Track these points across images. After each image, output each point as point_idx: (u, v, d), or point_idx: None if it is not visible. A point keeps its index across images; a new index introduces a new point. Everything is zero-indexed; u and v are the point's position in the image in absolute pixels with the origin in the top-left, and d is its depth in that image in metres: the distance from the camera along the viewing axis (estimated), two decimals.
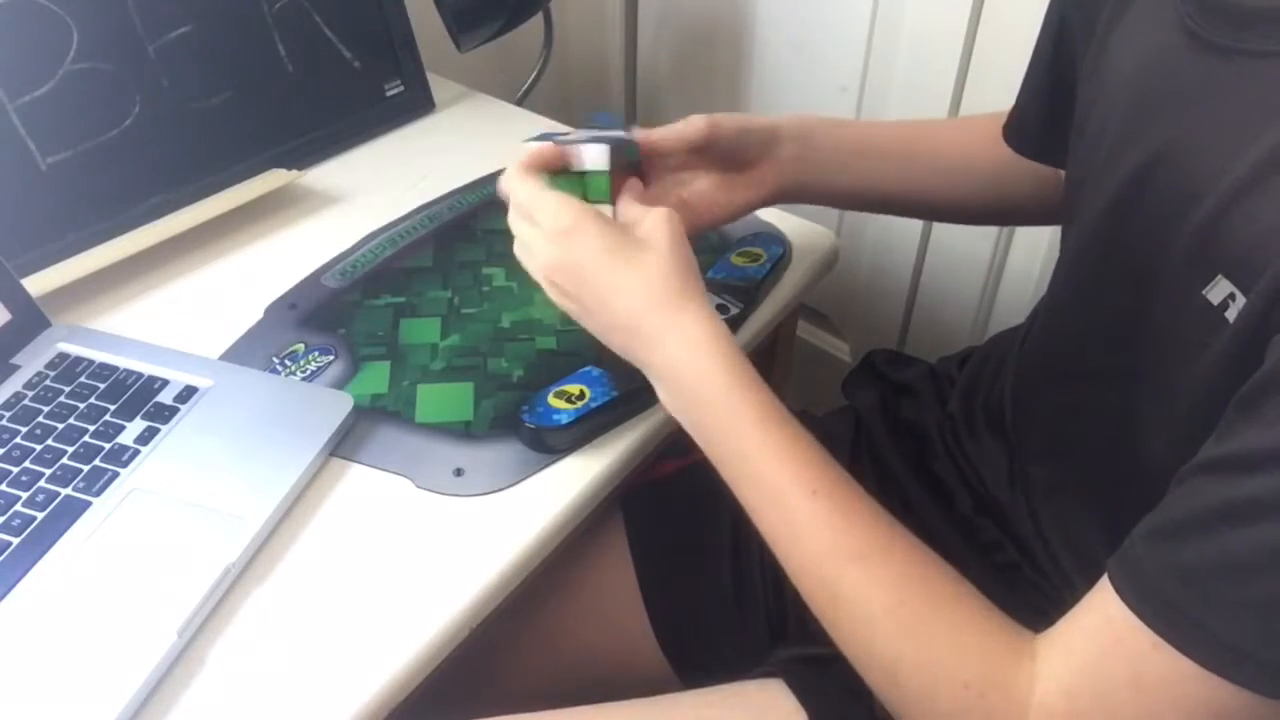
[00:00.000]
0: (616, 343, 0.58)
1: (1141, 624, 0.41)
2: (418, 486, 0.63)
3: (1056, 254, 0.64)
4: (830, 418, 0.82)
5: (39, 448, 0.62)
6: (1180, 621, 0.40)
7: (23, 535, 0.57)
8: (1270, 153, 0.43)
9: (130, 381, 0.67)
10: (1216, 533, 0.40)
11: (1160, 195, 0.50)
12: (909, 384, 0.81)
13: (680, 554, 0.76)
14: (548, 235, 0.57)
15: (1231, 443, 0.41)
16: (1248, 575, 0.39)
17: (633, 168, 0.65)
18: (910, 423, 0.78)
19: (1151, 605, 0.41)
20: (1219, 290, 0.45)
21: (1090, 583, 0.60)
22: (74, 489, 0.60)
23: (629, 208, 0.60)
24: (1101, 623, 0.43)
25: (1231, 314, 0.45)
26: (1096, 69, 0.58)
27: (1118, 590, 0.43)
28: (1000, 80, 1.00)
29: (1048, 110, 0.69)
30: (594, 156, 0.60)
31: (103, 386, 0.67)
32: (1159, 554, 0.42)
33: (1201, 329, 0.46)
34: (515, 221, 0.59)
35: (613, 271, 0.56)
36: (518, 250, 0.60)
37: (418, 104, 1.02)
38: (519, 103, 1.15)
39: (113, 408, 0.65)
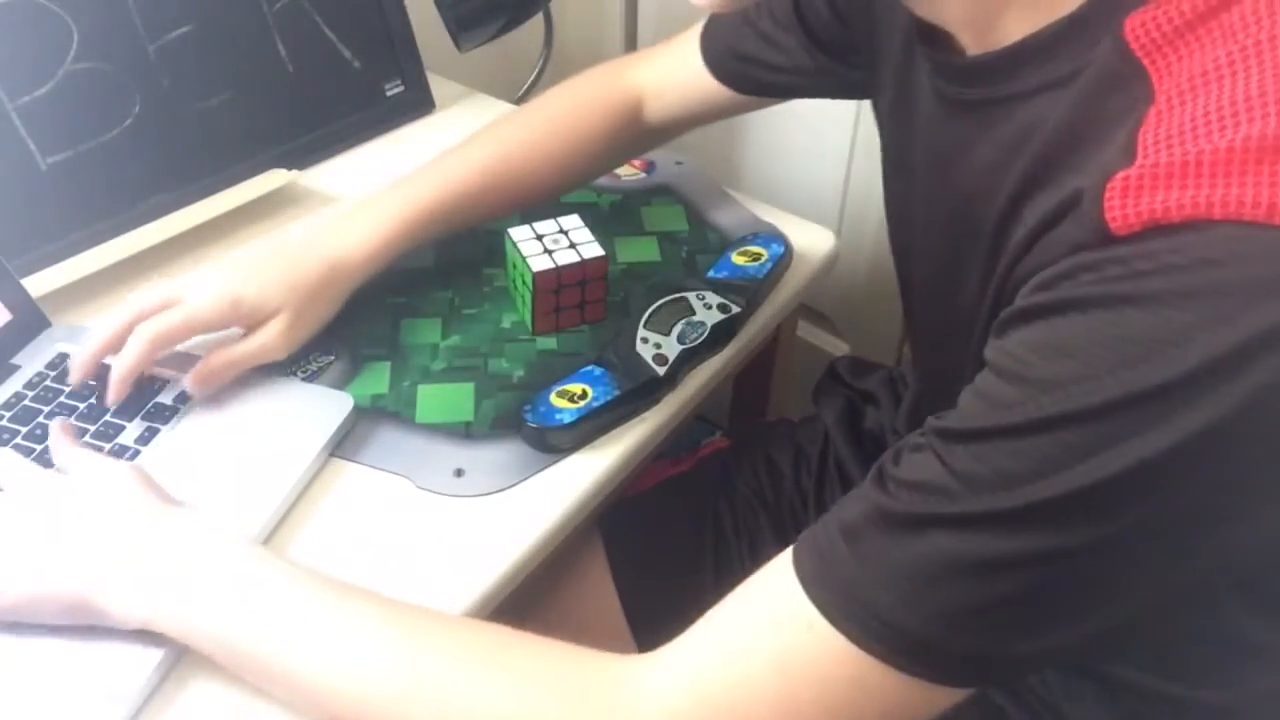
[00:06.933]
0: (109, 584, 0.51)
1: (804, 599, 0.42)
2: (418, 487, 0.63)
3: None
4: (802, 427, 0.83)
5: (39, 448, 0.62)
6: (841, 596, 0.41)
7: None
8: (1020, 182, 0.44)
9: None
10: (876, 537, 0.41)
11: (964, 250, 0.51)
12: (870, 391, 0.81)
13: (663, 571, 0.75)
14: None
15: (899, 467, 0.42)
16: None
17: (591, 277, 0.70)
18: (873, 430, 0.78)
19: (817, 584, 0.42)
20: None
21: None
22: None
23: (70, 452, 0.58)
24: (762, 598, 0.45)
25: None
26: (886, 124, 0.62)
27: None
28: None
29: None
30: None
31: (103, 387, 0.67)
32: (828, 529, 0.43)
33: None
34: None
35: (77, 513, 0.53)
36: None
37: (418, 104, 1.02)
38: (519, 103, 1.15)
39: (112, 408, 0.65)
